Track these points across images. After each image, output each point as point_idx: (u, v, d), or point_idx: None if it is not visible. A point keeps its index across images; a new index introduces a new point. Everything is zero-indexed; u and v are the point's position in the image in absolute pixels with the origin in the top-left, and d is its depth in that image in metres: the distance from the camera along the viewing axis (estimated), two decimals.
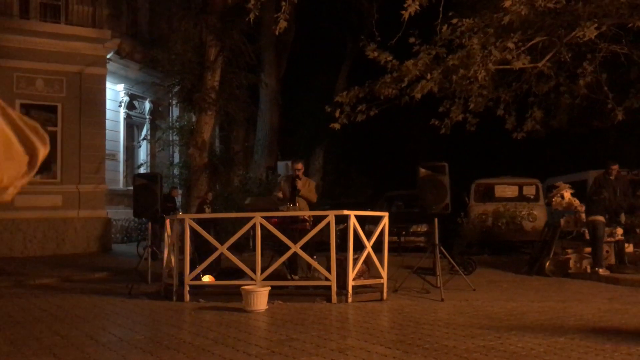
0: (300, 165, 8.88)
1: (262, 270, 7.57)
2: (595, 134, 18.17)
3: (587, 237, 9.85)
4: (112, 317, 6.73)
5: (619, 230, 9.78)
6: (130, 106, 19.75)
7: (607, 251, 9.80)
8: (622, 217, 9.93)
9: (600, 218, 9.48)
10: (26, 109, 15.66)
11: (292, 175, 8.92)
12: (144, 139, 20.44)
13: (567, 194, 10.41)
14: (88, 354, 4.85)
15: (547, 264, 10.00)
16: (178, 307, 7.37)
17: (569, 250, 10.17)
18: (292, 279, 8.13)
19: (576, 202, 10.38)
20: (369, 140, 25.80)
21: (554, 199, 10.59)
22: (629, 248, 9.98)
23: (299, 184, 8.70)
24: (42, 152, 0.83)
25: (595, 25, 8.57)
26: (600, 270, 9.36)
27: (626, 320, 5.85)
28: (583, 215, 10.02)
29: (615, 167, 9.80)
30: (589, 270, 9.74)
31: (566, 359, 4.45)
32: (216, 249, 7.94)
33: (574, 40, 9.09)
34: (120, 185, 19.12)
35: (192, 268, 7.88)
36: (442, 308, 6.97)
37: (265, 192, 15.79)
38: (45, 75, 15.62)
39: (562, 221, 10.23)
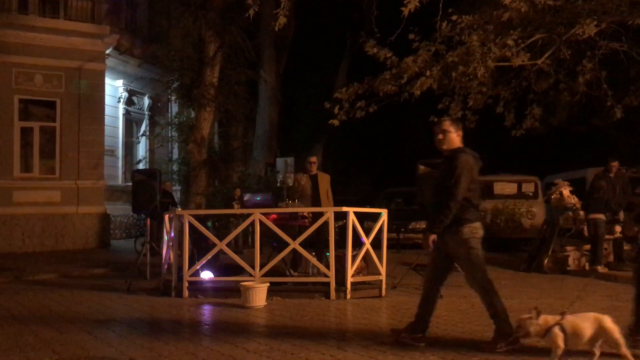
0: (314, 159, 9.09)
1: (261, 267, 7.58)
2: (594, 131, 18.17)
3: (586, 234, 9.85)
4: (111, 313, 6.73)
5: (618, 228, 9.78)
6: (129, 102, 19.73)
7: (605, 248, 9.81)
8: (621, 215, 9.94)
9: (602, 216, 9.48)
10: (25, 105, 15.68)
11: (308, 172, 8.99)
12: (142, 134, 20.44)
13: (566, 192, 10.41)
14: (87, 350, 4.86)
15: (546, 261, 10.01)
16: (177, 303, 7.38)
17: (568, 248, 10.19)
18: (291, 275, 8.13)
19: (574, 199, 10.38)
20: (368, 137, 25.77)
21: (552, 197, 10.60)
22: (628, 245, 9.99)
23: (323, 189, 8.81)
24: None
25: (595, 22, 8.54)
26: (599, 267, 9.37)
27: (625, 318, 5.85)
28: (582, 213, 10.02)
29: (615, 164, 9.80)
30: (587, 267, 9.75)
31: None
32: (215, 245, 7.93)
33: (574, 38, 9.06)
34: (119, 181, 19.12)
35: (191, 264, 7.88)
36: (440, 305, 6.94)
37: (264, 189, 15.76)
38: (44, 71, 15.60)
39: (561, 218, 10.24)
